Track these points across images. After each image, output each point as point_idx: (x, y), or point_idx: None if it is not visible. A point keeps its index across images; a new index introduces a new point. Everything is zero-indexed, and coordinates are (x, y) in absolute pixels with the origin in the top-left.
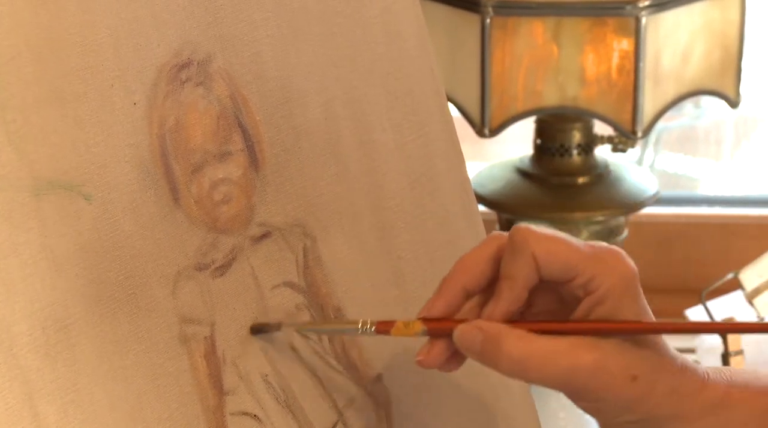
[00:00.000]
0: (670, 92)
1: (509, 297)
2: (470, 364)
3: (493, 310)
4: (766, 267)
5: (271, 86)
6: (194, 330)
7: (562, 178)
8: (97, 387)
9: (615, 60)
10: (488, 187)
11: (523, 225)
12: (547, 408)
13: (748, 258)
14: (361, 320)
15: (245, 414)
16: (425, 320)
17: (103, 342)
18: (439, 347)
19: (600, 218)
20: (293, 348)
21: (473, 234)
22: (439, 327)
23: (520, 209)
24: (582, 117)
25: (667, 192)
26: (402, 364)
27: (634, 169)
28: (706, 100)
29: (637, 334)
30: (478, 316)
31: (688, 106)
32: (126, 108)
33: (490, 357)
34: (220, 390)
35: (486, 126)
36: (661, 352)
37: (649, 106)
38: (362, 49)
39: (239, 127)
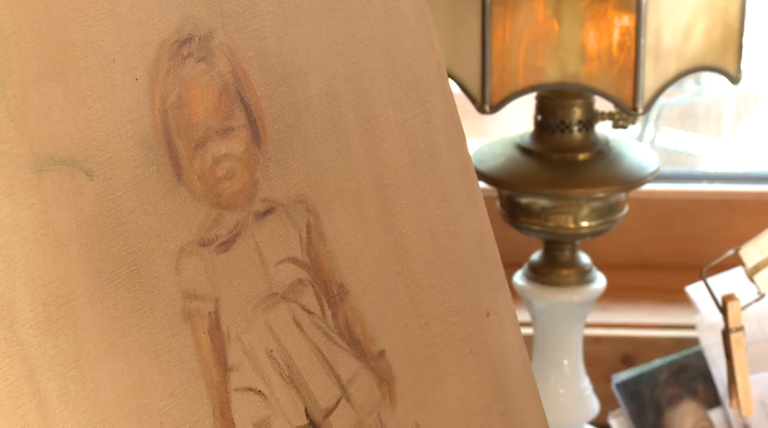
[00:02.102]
0: (671, 69)
1: None
2: (470, 340)
3: None
4: (767, 244)
5: (273, 62)
6: (198, 306)
7: (562, 154)
8: (99, 363)
9: (616, 36)
10: (489, 164)
11: None
12: (547, 384)
13: (749, 234)
14: None
15: (250, 389)
16: None
17: (105, 319)
18: None
19: (600, 194)
20: (298, 325)
21: (474, 210)
22: None
23: (520, 185)
24: (583, 93)
25: (668, 168)
26: (405, 339)
27: (634, 146)
28: (707, 77)
29: None
30: None
31: (689, 82)
32: (127, 83)
33: None
34: (224, 366)
35: (486, 102)
36: None
37: (650, 82)
38: (362, 24)
39: (241, 102)
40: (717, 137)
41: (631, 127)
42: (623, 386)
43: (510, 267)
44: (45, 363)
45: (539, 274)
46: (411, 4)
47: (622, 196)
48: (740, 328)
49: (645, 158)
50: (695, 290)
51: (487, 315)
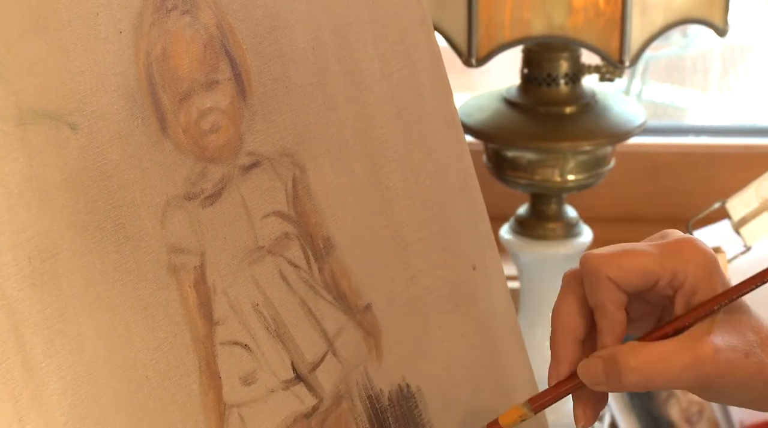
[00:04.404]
0: (657, 21)
1: (607, 325)
2: (457, 294)
3: (601, 344)
4: (753, 197)
5: (258, 14)
6: (183, 260)
7: (549, 107)
8: (84, 317)
9: None
10: (475, 117)
11: (589, 253)
12: (533, 338)
13: (735, 187)
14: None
15: (235, 343)
16: (529, 400)
17: (90, 273)
18: (589, 406)
19: (587, 148)
20: (284, 278)
21: (460, 164)
22: (544, 401)
23: (506, 139)
24: (569, 46)
25: (655, 121)
26: (391, 293)
27: (621, 99)
28: (694, 30)
29: (741, 295)
30: None
31: (675, 35)
32: (112, 36)
33: (615, 379)
34: (209, 319)
35: (473, 55)
36: (758, 325)
37: (636, 34)
38: None
39: (226, 55)
40: (703, 90)
41: (617, 80)
42: None
43: (496, 221)
44: (30, 317)
45: (526, 228)
46: None
47: (609, 149)
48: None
49: (631, 111)
50: None
51: (474, 269)
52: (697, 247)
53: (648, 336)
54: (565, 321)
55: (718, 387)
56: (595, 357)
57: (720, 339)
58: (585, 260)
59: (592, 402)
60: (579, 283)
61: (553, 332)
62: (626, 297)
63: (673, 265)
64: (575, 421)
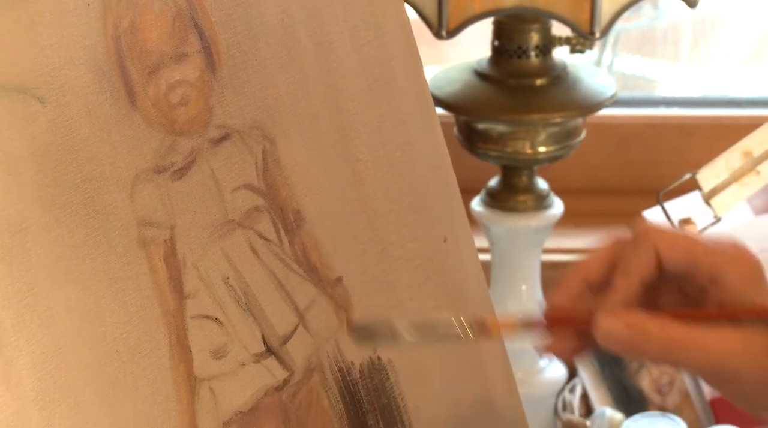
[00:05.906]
0: None
1: (624, 288)
2: (428, 266)
3: (608, 302)
4: (723, 168)
5: None
6: (153, 234)
7: (519, 79)
8: (53, 291)
9: None
10: (445, 90)
11: (646, 222)
12: (505, 309)
13: (706, 158)
14: (453, 318)
15: (206, 317)
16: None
17: (59, 247)
18: (566, 341)
19: (558, 120)
20: (255, 252)
21: (431, 136)
22: (540, 322)
23: (477, 111)
24: (540, 18)
25: (625, 93)
26: (362, 266)
27: (592, 71)
28: (664, 1)
29: None
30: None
31: (646, 6)
32: (80, 9)
33: (637, 349)
34: (180, 293)
35: (443, 27)
36: None
37: (607, 6)
38: None
39: (195, 28)
40: (674, 62)
41: (588, 52)
42: None
43: (468, 194)
44: None
45: (497, 200)
46: None
47: (580, 121)
48: None
49: (602, 83)
50: (652, 214)
51: (445, 241)
52: (745, 250)
53: (672, 312)
54: (589, 262)
55: (739, 384)
56: (619, 318)
57: (750, 340)
58: (640, 226)
59: (571, 340)
60: (621, 245)
61: (573, 265)
62: (654, 276)
63: (718, 259)
64: (541, 348)
